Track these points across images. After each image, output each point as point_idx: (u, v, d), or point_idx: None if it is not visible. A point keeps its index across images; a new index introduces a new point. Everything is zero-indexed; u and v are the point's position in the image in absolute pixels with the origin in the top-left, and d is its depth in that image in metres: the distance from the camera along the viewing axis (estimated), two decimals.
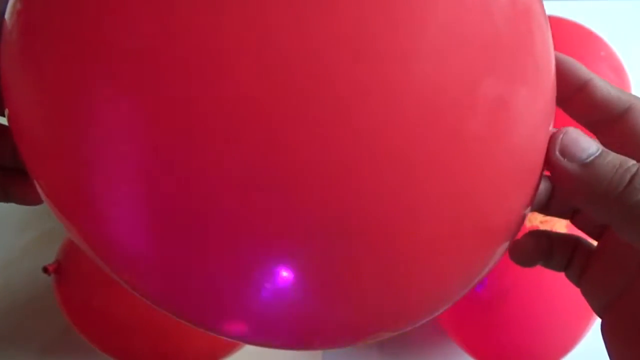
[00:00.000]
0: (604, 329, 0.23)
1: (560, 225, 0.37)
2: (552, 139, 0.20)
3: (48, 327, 0.47)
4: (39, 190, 0.19)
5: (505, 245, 0.21)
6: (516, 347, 0.39)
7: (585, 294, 0.24)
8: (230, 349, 0.42)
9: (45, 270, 0.38)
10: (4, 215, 0.52)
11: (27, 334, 0.47)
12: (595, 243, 0.24)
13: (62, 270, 0.38)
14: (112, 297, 0.37)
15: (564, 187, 0.20)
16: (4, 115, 0.20)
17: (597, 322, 0.39)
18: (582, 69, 0.21)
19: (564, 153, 0.20)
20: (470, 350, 0.42)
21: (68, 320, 0.39)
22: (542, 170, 0.21)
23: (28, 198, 0.25)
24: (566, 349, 0.40)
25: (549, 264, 0.25)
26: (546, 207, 0.24)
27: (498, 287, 0.38)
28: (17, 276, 0.49)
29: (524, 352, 0.39)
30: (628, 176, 0.19)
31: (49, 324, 0.46)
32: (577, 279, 0.24)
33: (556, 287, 0.38)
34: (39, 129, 0.17)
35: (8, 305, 0.48)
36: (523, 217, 0.21)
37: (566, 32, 0.51)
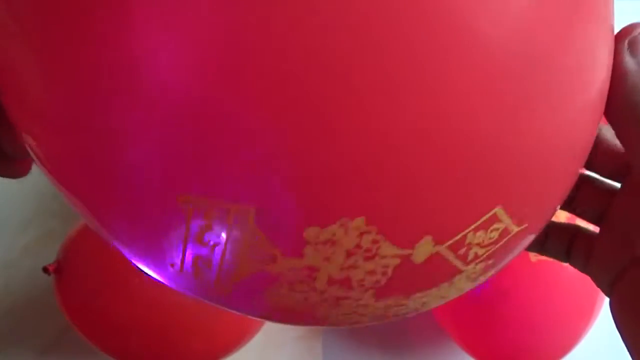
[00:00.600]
0: (613, 307, 0.23)
1: (561, 217, 0.37)
2: (624, 32, 0.20)
3: (48, 327, 0.47)
4: (31, 150, 0.17)
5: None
6: (516, 347, 0.39)
7: (593, 277, 0.24)
8: (230, 349, 0.42)
9: (46, 270, 0.38)
10: (4, 215, 0.52)
11: (27, 334, 0.47)
12: (596, 230, 0.24)
13: (62, 270, 0.38)
14: (112, 297, 0.37)
15: (614, 87, 0.19)
16: None
17: (597, 323, 0.39)
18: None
19: (632, 45, 0.19)
20: (470, 350, 0.42)
21: (68, 320, 0.39)
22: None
23: (9, 171, 0.22)
24: (566, 349, 0.40)
25: (545, 251, 0.25)
26: None
27: (498, 287, 0.38)
28: (18, 276, 0.49)
29: (524, 352, 0.39)
30: None
31: (49, 324, 0.46)
32: (583, 266, 0.24)
33: (556, 287, 0.38)
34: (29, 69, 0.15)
35: (8, 305, 0.48)
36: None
37: None
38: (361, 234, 0.15)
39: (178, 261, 0.17)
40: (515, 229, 0.17)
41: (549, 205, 0.19)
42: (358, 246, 0.15)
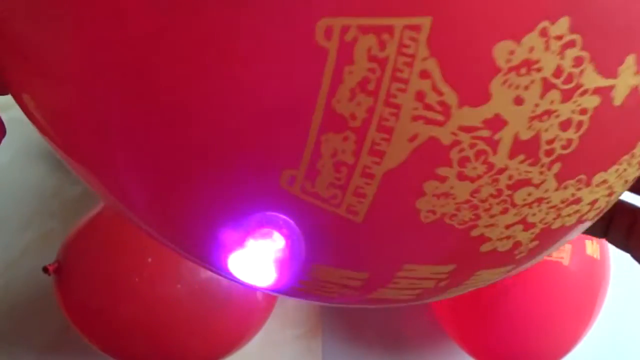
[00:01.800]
0: None
1: None
2: None
3: (48, 327, 0.47)
4: (29, 106, 0.15)
5: None
6: (516, 347, 0.39)
7: (636, 256, 0.22)
8: (230, 349, 0.42)
9: (46, 270, 0.38)
10: (4, 215, 0.52)
11: (27, 334, 0.47)
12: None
13: (62, 270, 0.38)
14: (112, 297, 0.37)
15: None
16: None
17: (597, 323, 0.39)
18: None
19: None
20: (470, 350, 0.42)
21: (68, 320, 0.39)
22: None
23: None
24: (566, 349, 0.40)
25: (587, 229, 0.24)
26: None
27: (498, 287, 0.38)
28: (18, 276, 0.49)
29: (523, 351, 0.39)
30: None
31: (49, 323, 0.47)
32: (625, 241, 0.22)
33: (556, 287, 0.38)
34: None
35: (8, 305, 0.48)
36: None
37: None
38: (563, 48, 0.12)
39: (298, 163, 0.12)
40: None
41: None
42: (559, 71, 0.12)
